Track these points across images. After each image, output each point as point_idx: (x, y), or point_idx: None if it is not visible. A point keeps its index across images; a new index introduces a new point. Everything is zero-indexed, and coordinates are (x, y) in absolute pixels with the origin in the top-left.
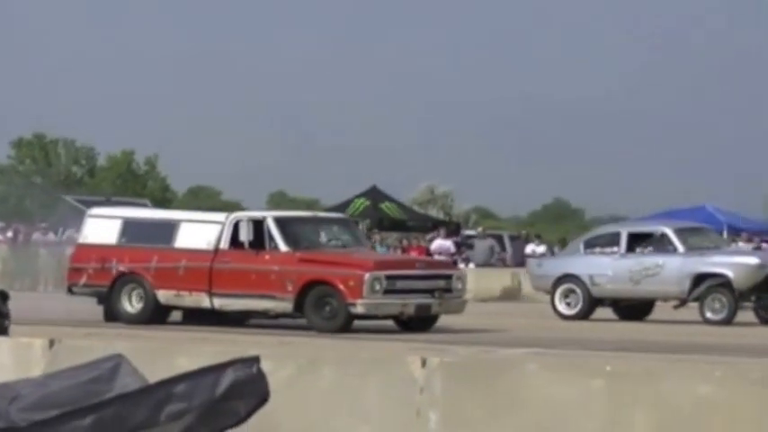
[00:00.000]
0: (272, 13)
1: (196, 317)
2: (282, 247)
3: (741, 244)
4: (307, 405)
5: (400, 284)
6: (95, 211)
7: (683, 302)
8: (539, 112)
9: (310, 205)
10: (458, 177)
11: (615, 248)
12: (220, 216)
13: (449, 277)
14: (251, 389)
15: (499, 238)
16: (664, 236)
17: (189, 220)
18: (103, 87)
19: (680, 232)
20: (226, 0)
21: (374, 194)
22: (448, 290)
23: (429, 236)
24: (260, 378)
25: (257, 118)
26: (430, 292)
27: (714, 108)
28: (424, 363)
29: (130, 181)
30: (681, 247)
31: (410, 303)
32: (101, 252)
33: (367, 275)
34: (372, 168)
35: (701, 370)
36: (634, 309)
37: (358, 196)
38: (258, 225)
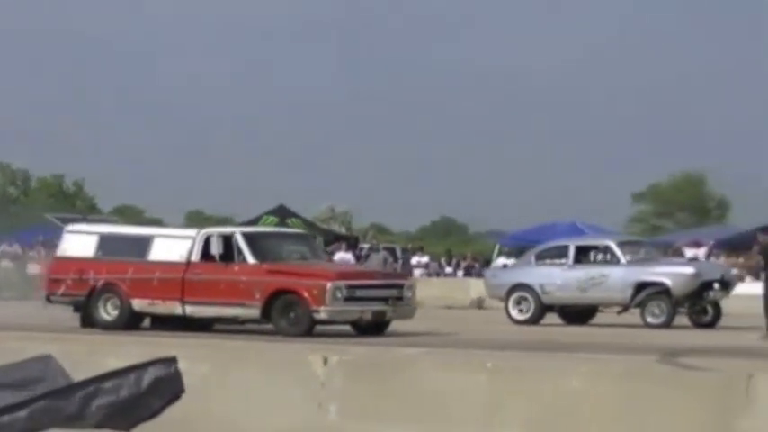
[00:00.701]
0: (173, 32)
1: (164, 322)
2: (250, 259)
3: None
4: (220, 400)
5: (359, 293)
6: (73, 227)
7: (625, 308)
8: (430, 137)
9: (224, 222)
10: (356, 196)
11: (564, 260)
12: (191, 232)
13: (401, 287)
14: (168, 386)
15: (392, 251)
16: (608, 248)
17: (162, 235)
18: (36, 118)
19: (622, 245)
20: (136, 29)
21: (282, 212)
22: (400, 298)
23: (330, 248)
24: (176, 376)
25: (171, 141)
26: (384, 299)
27: (582, 134)
28: (325, 361)
29: (61, 201)
30: (623, 259)
31: (367, 310)
32: (78, 264)
33: (329, 285)
34: (280, 187)
35: (569, 366)
36: (579, 314)
37: (267, 213)
38: (227, 240)
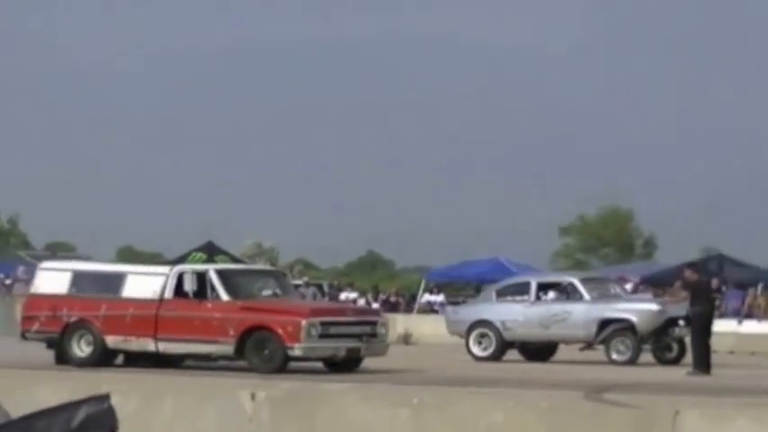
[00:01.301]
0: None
1: (136, 359)
2: (224, 296)
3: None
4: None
5: (333, 330)
6: (46, 264)
7: (589, 345)
8: (359, 172)
9: (154, 258)
10: (282, 232)
11: (525, 296)
12: (164, 269)
13: (374, 323)
14: (102, 422)
15: (320, 287)
16: (571, 285)
17: (135, 272)
18: None
19: (585, 282)
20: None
21: (210, 248)
22: (373, 335)
23: None
24: (110, 413)
25: (104, 177)
26: (358, 336)
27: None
28: (253, 396)
29: None
30: (587, 295)
31: (341, 347)
32: (52, 302)
33: (304, 322)
34: (207, 222)
35: (495, 400)
36: (539, 351)
37: (196, 250)
38: (201, 277)
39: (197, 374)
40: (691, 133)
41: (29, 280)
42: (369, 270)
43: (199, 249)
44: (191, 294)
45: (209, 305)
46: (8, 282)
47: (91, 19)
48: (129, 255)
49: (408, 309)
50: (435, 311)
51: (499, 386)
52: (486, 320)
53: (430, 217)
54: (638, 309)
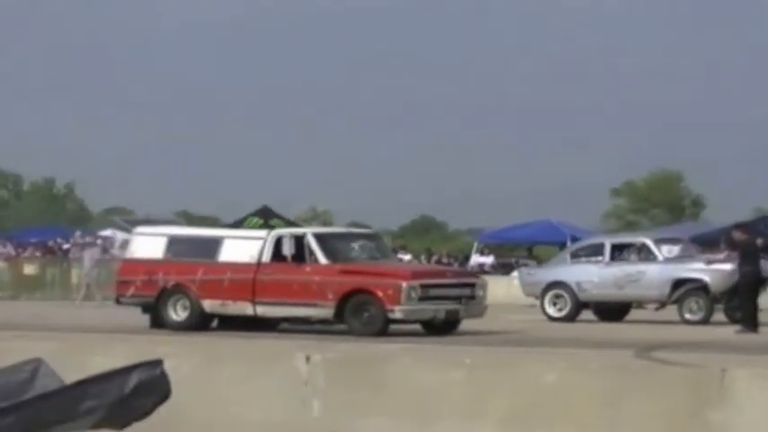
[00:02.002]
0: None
1: (230, 322)
2: (322, 259)
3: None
4: (207, 395)
5: (432, 292)
6: (141, 229)
7: (663, 305)
8: (413, 138)
9: (210, 222)
10: (336, 196)
11: (600, 257)
12: (261, 233)
13: (473, 285)
14: (154, 388)
15: None
16: (644, 245)
17: (232, 236)
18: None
19: (659, 242)
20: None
21: (265, 213)
22: (472, 297)
23: None
24: (163, 378)
25: (163, 148)
26: (458, 299)
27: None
28: (308, 359)
29: (52, 204)
30: (660, 256)
31: (441, 309)
32: (147, 266)
33: (404, 284)
34: (262, 189)
35: (547, 361)
36: (613, 311)
37: (251, 215)
38: (299, 240)
39: (256, 338)
40: (738, 97)
41: (85, 244)
42: (422, 233)
43: (254, 214)
44: (289, 258)
45: (308, 269)
46: (66, 246)
47: None
48: (186, 219)
49: None
50: (486, 272)
51: (572, 347)
52: (561, 281)
53: (482, 179)
54: (712, 269)
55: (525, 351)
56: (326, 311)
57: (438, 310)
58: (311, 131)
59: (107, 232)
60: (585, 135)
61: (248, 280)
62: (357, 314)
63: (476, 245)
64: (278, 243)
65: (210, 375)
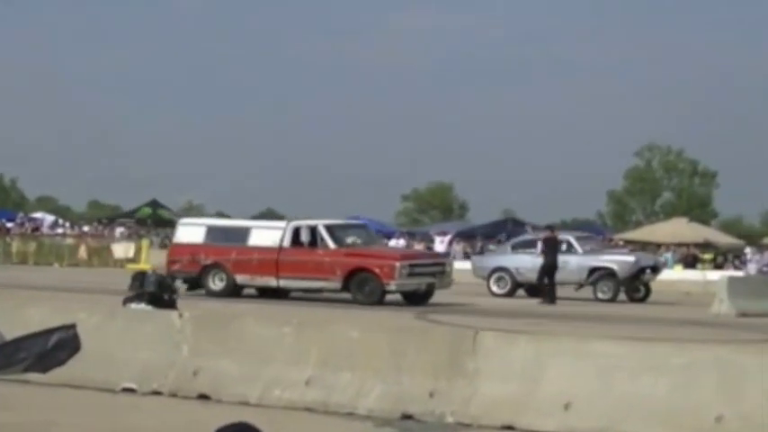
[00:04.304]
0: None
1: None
2: (331, 244)
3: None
4: (107, 340)
5: (417, 270)
6: (185, 220)
7: (581, 286)
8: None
9: (114, 209)
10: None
11: (533, 249)
12: (281, 224)
13: (444, 264)
14: (69, 344)
15: None
16: (568, 241)
17: (258, 227)
18: None
19: (578, 239)
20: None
21: (154, 204)
22: (443, 273)
23: None
24: (75, 338)
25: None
26: (433, 274)
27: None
28: (181, 315)
29: (2, 192)
30: (580, 249)
31: (423, 282)
32: (191, 249)
33: (397, 264)
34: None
35: (353, 321)
36: (539, 290)
37: (144, 205)
38: (313, 230)
39: None
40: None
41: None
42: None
43: (146, 205)
44: (306, 243)
45: (320, 252)
46: (9, 225)
47: None
48: (97, 206)
49: None
50: None
51: (501, 316)
52: (503, 267)
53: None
54: (619, 260)
55: (342, 312)
56: (335, 284)
57: (421, 283)
58: (193, 135)
59: (38, 215)
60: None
61: (273, 259)
62: (360, 287)
63: None
64: (295, 232)
65: (111, 325)
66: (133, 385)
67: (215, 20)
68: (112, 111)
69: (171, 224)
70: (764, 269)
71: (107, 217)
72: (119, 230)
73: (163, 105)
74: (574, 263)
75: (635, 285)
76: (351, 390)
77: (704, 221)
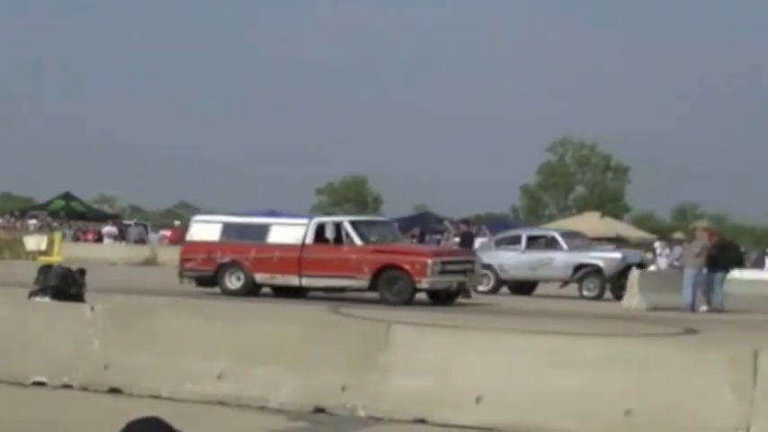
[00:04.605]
0: None
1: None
2: (358, 241)
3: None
4: (17, 333)
5: (448, 267)
6: (199, 217)
7: (566, 283)
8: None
9: (28, 202)
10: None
11: (517, 246)
12: (303, 220)
13: (473, 261)
14: None
15: (145, 226)
16: (553, 238)
17: (278, 223)
18: None
19: (563, 235)
20: None
21: (67, 196)
22: (472, 270)
23: (103, 225)
24: None
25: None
26: (463, 272)
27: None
28: (92, 308)
29: None
30: (565, 246)
31: (454, 281)
32: (206, 247)
33: (430, 261)
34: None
35: (267, 316)
36: (523, 287)
37: (57, 198)
38: (337, 226)
39: None
40: None
41: None
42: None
43: (59, 198)
44: (331, 240)
45: (346, 248)
46: None
47: None
48: (9, 199)
49: None
50: None
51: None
52: (487, 264)
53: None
54: (606, 257)
55: (258, 307)
56: (363, 283)
57: (452, 281)
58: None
59: None
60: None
61: (295, 257)
62: (389, 285)
63: None
64: (319, 228)
65: (21, 318)
66: (44, 378)
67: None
68: (26, 100)
69: (83, 217)
70: (675, 263)
71: (19, 209)
72: (31, 223)
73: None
74: (559, 259)
75: (621, 283)
76: (263, 383)
77: (617, 216)
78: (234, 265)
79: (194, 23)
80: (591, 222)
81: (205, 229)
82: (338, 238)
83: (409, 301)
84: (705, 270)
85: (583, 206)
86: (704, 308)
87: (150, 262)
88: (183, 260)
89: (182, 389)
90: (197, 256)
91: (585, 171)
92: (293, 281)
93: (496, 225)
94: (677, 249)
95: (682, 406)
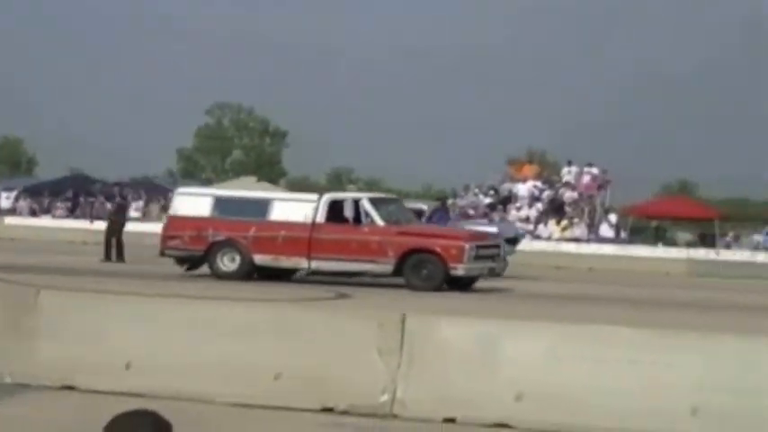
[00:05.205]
0: None
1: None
2: (380, 221)
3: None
4: None
5: (481, 252)
6: (183, 189)
7: None
8: None
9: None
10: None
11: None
12: (312, 196)
13: (499, 246)
14: None
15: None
16: (420, 211)
17: (281, 198)
18: None
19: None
20: None
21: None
22: (499, 255)
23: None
24: None
25: None
26: (493, 258)
27: None
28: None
29: None
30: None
31: (485, 267)
32: (195, 223)
33: (467, 245)
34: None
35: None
36: None
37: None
38: (355, 204)
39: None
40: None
41: None
42: None
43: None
44: (350, 220)
45: (366, 229)
46: None
47: None
48: None
49: None
50: None
51: None
52: None
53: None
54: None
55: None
56: (386, 267)
57: (484, 267)
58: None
59: None
60: None
61: (304, 238)
62: (416, 271)
63: None
64: (332, 206)
65: None
66: None
67: None
68: None
69: None
70: None
71: None
72: None
73: None
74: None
75: None
76: None
77: (273, 180)
78: (228, 245)
79: None
80: (247, 186)
81: (192, 204)
82: (356, 218)
83: (439, 288)
84: None
85: (240, 170)
86: None
87: None
88: (167, 237)
89: None
90: (183, 233)
91: (243, 135)
92: (302, 263)
93: (146, 187)
94: None
95: (330, 370)
